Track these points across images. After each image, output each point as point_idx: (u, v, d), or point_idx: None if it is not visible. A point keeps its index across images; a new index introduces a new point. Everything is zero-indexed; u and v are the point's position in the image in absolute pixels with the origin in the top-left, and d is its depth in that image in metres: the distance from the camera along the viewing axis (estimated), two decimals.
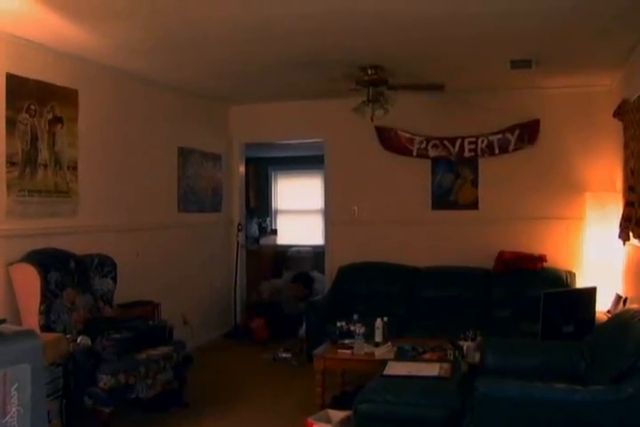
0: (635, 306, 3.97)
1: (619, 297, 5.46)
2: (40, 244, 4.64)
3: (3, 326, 1.62)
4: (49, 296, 4.42)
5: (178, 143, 6.66)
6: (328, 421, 4.11)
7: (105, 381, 4.02)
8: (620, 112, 5.45)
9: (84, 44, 4.81)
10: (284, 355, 6.45)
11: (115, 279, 5.04)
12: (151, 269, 5.96)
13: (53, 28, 4.38)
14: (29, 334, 1.32)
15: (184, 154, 6.75)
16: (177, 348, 4.76)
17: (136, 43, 4.86)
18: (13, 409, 1.15)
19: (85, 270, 4.86)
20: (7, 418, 1.16)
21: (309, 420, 4.13)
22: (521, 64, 5.40)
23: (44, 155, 4.83)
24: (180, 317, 6.24)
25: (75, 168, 5.13)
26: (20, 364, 1.20)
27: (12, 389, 1.15)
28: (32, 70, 4.71)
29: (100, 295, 4.92)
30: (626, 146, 5.36)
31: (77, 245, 4.92)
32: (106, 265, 5.00)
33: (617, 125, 5.67)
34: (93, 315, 4.76)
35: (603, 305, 5.37)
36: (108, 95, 5.62)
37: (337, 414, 4.18)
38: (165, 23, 4.39)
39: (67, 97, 5.06)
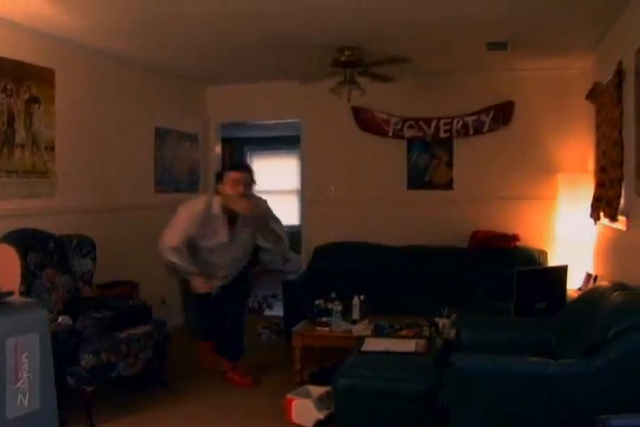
0: (604, 283, 4.09)
1: (589, 275, 5.60)
2: (18, 224, 4.64)
3: (10, 298, 1.67)
4: (28, 277, 4.43)
5: (155, 123, 6.65)
6: (308, 396, 4.20)
7: (87, 360, 4.06)
8: (593, 95, 5.55)
9: (60, 24, 4.79)
10: (262, 331, 6.53)
11: (94, 259, 5.05)
12: (130, 250, 5.97)
13: (29, 7, 4.36)
14: (36, 305, 1.38)
15: (161, 134, 6.75)
16: (157, 326, 4.80)
17: (113, 23, 4.85)
18: (24, 375, 1.22)
19: (65, 251, 4.86)
20: (19, 384, 1.22)
21: (289, 396, 4.22)
22: (496, 46, 5.45)
23: (21, 135, 4.82)
24: (159, 296, 6.27)
25: (52, 148, 5.12)
26: (30, 333, 1.26)
27: (23, 357, 1.21)
28: (8, 50, 4.68)
29: (80, 275, 4.93)
30: (597, 128, 5.47)
31: (56, 226, 4.93)
32: (85, 245, 5.01)
33: (589, 108, 5.78)
34: (73, 295, 4.77)
35: (574, 283, 5.51)
36: (85, 75, 5.60)
37: (316, 390, 4.27)
38: (142, 3, 4.38)
39: (43, 77, 5.03)
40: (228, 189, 4.54)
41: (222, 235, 4.67)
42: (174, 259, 4.53)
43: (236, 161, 10.86)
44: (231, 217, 4.67)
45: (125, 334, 4.50)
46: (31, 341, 1.26)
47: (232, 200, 4.52)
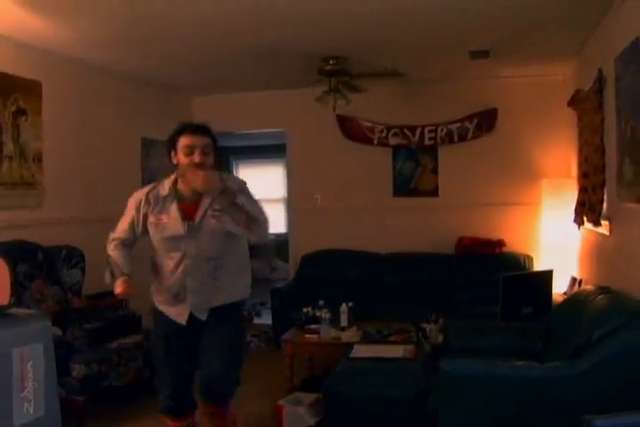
0: (588, 287, 4.16)
1: (574, 279, 5.67)
2: (7, 236, 4.65)
3: (14, 309, 1.71)
4: (18, 288, 4.44)
5: (141, 134, 6.68)
6: (298, 403, 4.23)
7: (78, 370, 4.09)
8: (574, 101, 5.63)
9: (47, 36, 4.82)
10: (252, 340, 6.56)
11: (83, 270, 5.08)
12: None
13: (16, 20, 4.38)
14: (40, 316, 1.42)
15: (147, 144, 6.78)
16: (147, 336, 4.82)
17: (99, 34, 4.88)
18: (30, 384, 1.26)
19: (53, 262, 4.89)
20: (25, 392, 1.26)
21: (280, 403, 4.25)
22: (479, 55, 5.54)
23: (8, 147, 4.84)
24: (148, 306, 6.27)
25: (40, 160, 5.14)
26: (34, 343, 1.31)
27: (29, 366, 1.25)
28: None
29: (69, 286, 4.96)
30: (580, 134, 5.55)
31: (44, 237, 4.95)
32: (74, 256, 5.03)
33: (571, 114, 5.86)
34: (62, 306, 4.79)
35: (560, 287, 5.58)
36: (72, 87, 5.63)
37: (307, 397, 4.31)
38: (127, 15, 4.41)
39: (30, 89, 5.06)
40: (180, 158, 3.24)
41: (174, 225, 3.29)
42: (111, 253, 3.42)
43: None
44: (192, 200, 3.31)
45: (115, 344, 4.53)
46: (36, 350, 1.30)
47: (185, 173, 3.21)
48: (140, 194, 3.41)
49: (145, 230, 3.39)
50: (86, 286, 5.12)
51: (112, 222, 5.64)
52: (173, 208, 3.30)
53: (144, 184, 6.64)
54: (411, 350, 4.36)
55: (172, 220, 3.30)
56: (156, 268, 3.43)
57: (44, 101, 5.19)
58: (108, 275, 3.37)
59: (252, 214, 3.19)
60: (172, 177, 3.36)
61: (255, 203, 3.33)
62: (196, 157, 3.19)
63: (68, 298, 4.92)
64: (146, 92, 6.80)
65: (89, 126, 5.83)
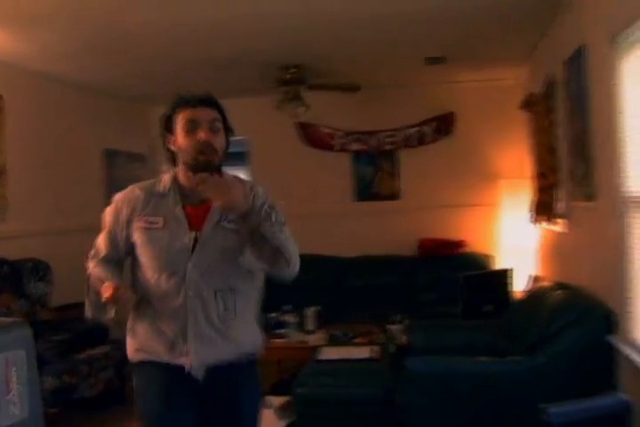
0: (545, 283, 4.30)
1: (534, 277, 5.82)
2: None
3: None
4: None
5: (103, 145, 6.69)
6: (269, 407, 4.29)
7: (49, 382, 4.09)
8: (527, 104, 5.80)
9: (6, 49, 4.82)
10: None
11: (49, 283, 5.08)
12: (85, 271, 5.99)
13: None
14: (21, 323, 1.49)
15: (110, 155, 6.80)
16: (115, 346, 4.84)
17: (59, 46, 4.89)
18: (14, 387, 1.34)
19: (20, 275, 4.89)
20: (10, 395, 1.34)
21: None
22: (435, 61, 5.70)
23: None
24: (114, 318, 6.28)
25: (3, 173, 5.14)
26: (16, 350, 1.38)
27: (12, 371, 1.33)
28: None
29: (36, 299, 4.95)
30: (533, 136, 5.72)
31: (10, 251, 4.94)
32: (40, 269, 5.04)
33: (525, 117, 6.03)
34: (30, 319, 4.80)
35: (520, 285, 5.72)
36: (33, 99, 5.63)
37: (277, 400, 4.35)
38: (86, 27, 4.45)
39: None
40: (180, 140, 2.32)
41: (176, 232, 2.32)
42: (92, 271, 2.49)
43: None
44: (199, 201, 2.34)
45: (85, 355, 4.55)
46: (19, 356, 1.37)
47: (187, 157, 2.30)
48: (118, 196, 2.50)
49: (131, 245, 2.40)
50: (53, 299, 5.13)
51: (77, 234, 5.59)
52: (176, 210, 2.35)
53: (107, 195, 6.64)
54: (377, 351, 4.45)
55: (171, 225, 2.33)
56: (141, 304, 2.33)
57: (6, 114, 5.19)
58: (87, 305, 2.45)
59: (281, 248, 2.28)
60: (172, 172, 2.43)
61: (284, 226, 2.40)
62: (202, 134, 2.27)
63: (36, 310, 4.92)
64: (107, 104, 6.82)
65: (51, 138, 5.84)
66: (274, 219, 2.32)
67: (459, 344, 4.13)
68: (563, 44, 4.30)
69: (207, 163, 2.26)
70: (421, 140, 7.04)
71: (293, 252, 2.34)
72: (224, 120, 2.37)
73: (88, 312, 2.44)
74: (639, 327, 2.96)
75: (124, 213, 2.41)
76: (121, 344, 4.74)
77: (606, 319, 3.18)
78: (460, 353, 3.76)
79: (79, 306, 5.72)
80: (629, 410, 2.06)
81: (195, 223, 2.33)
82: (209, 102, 2.34)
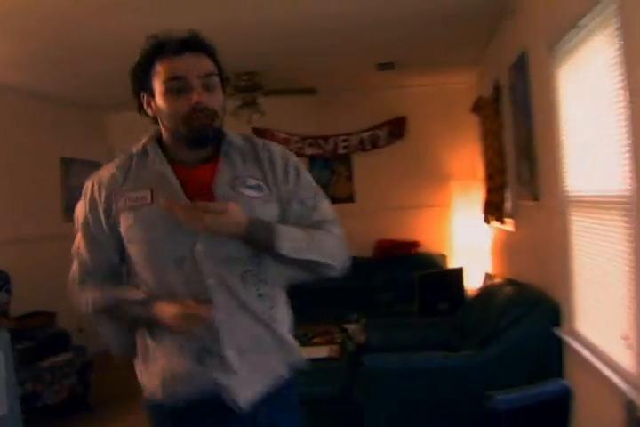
0: (496, 280, 4.47)
1: (488, 275, 6.00)
2: None
3: None
4: None
5: (60, 153, 6.69)
6: None
7: None
8: (477, 107, 5.98)
9: None
10: None
11: (9, 292, 5.08)
12: (44, 280, 5.97)
13: None
14: None
15: (66, 163, 6.80)
16: (78, 353, 4.89)
17: (12, 55, 4.89)
18: None
19: None
20: None
21: None
22: (386, 67, 5.85)
23: None
24: (76, 325, 6.29)
25: None
26: None
27: None
28: None
29: None
30: (483, 138, 5.90)
31: None
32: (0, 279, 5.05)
33: (475, 120, 6.21)
34: None
35: (476, 283, 5.89)
36: None
37: None
38: (40, 37, 4.46)
39: None
40: (161, 102, 1.77)
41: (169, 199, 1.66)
42: (90, 296, 1.87)
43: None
44: (196, 160, 1.79)
45: (48, 362, 4.57)
46: None
47: (175, 124, 1.74)
48: (88, 182, 1.92)
49: (122, 243, 1.77)
50: (14, 307, 5.13)
51: (35, 243, 5.49)
52: (166, 176, 1.74)
53: (65, 204, 6.66)
54: (336, 350, 4.55)
55: (162, 195, 1.69)
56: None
57: None
58: (114, 341, 1.92)
59: (317, 259, 1.81)
60: (152, 131, 1.89)
61: (325, 211, 1.91)
62: (195, 97, 1.67)
63: None
64: (64, 112, 6.82)
65: (6, 147, 5.82)
66: (310, 198, 1.81)
67: (414, 341, 4.24)
68: (508, 50, 4.46)
69: (204, 127, 1.68)
70: (375, 144, 7.19)
71: (337, 252, 1.88)
72: (220, 71, 1.76)
73: (118, 351, 1.93)
74: (582, 320, 3.13)
75: (101, 198, 1.80)
76: (83, 351, 4.84)
77: (553, 313, 3.34)
78: (416, 350, 3.87)
79: (40, 314, 5.75)
80: (570, 395, 2.20)
81: (196, 189, 1.71)
82: (198, 46, 1.76)
